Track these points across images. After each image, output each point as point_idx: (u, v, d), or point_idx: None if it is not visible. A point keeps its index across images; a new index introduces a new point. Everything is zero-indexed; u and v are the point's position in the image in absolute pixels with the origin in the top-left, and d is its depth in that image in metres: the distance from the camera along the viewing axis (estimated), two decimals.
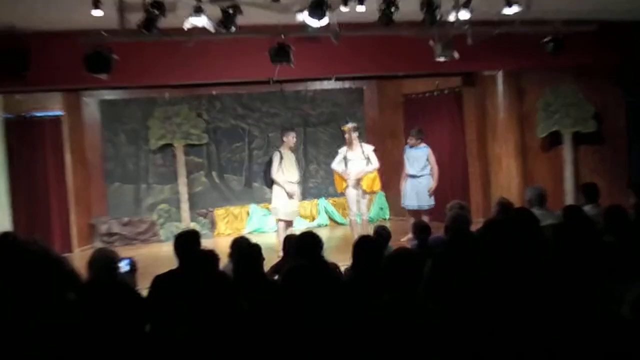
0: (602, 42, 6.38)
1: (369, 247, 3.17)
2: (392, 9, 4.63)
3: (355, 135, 6.71)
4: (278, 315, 2.51)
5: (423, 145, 7.08)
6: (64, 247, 7.46)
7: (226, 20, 4.66)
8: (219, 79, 6.78)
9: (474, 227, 3.71)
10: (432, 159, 7.03)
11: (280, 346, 2.35)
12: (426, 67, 6.62)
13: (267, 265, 3.46)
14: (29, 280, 2.62)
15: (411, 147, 7.10)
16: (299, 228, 7.67)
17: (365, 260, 3.10)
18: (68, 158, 7.82)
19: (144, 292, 3.35)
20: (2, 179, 7.13)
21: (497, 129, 7.52)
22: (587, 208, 4.45)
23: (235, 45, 5.81)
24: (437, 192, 7.14)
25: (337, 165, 6.78)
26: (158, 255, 6.96)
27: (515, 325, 2.38)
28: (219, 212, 8.62)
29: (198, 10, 4.57)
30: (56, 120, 7.70)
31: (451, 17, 5.02)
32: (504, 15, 5.09)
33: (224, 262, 3.58)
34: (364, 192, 6.74)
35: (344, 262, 3.78)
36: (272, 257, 3.87)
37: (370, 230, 6.15)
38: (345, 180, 6.70)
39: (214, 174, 8.73)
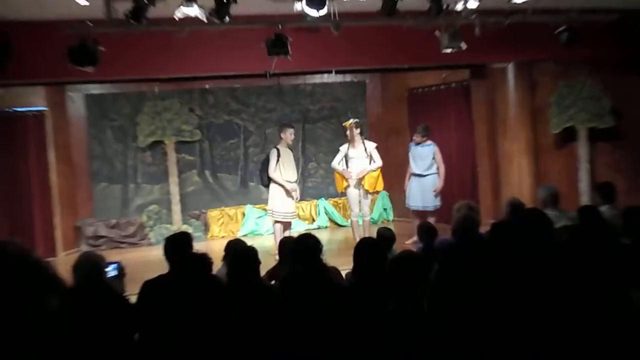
0: (620, 32, 6.38)
1: (372, 250, 3.17)
2: None
3: (357, 131, 6.71)
4: (275, 323, 2.51)
5: (429, 142, 7.08)
6: (48, 251, 7.47)
7: (220, 9, 4.65)
8: (212, 72, 6.77)
9: (483, 230, 3.71)
10: (439, 157, 7.03)
11: (277, 356, 2.35)
12: (432, 60, 6.63)
13: (263, 270, 3.46)
14: (5, 285, 2.62)
15: (416, 144, 7.10)
16: (297, 230, 7.69)
17: (367, 265, 3.09)
18: (52, 156, 7.82)
19: (133, 299, 3.36)
20: None
21: (507, 124, 7.52)
22: (604, 209, 4.45)
23: (229, 36, 5.81)
24: (443, 192, 7.14)
25: (337, 163, 6.78)
26: (147, 260, 6.96)
27: (527, 334, 2.38)
28: (213, 214, 8.62)
29: None
30: (39, 116, 7.70)
31: (458, 6, 5.02)
32: (515, 3, 5.09)
33: (217, 266, 3.58)
34: (366, 192, 6.75)
35: (345, 266, 3.77)
36: (268, 261, 3.87)
37: (372, 233, 6.16)
38: (346, 180, 6.70)
39: (207, 172, 8.73)
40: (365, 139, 6.94)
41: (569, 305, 2.57)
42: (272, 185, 6.59)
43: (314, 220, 8.89)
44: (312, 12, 4.66)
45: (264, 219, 8.38)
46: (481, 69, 7.78)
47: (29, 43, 5.55)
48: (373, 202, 8.62)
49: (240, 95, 8.77)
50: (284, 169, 6.56)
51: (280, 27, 5.15)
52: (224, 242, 4.01)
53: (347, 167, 6.73)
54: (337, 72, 8.24)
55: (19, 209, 7.48)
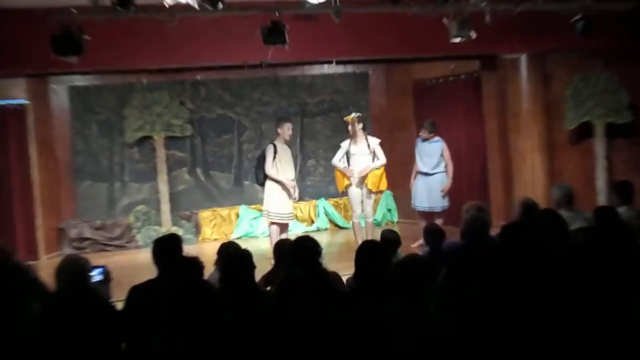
0: (637, 21, 6.37)
1: (375, 254, 3.17)
2: None
3: (359, 126, 6.71)
4: (270, 331, 2.51)
5: (437, 138, 7.07)
6: (29, 254, 7.47)
7: None
8: (204, 62, 6.77)
9: (494, 232, 3.71)
10: (447, 154, 7.03)
11: None
12: (439, 49, 6.62)
13: (258, 275, 3.46)
14: None
15: (423, 140, 7.09)
16: (295, 232, 7.69)
17: (370, 269, 3.09)
18: (33, 153, 7.82)
19: (119, 305, 3.36)
20: None
21: (520, 119, 7.52)
22: (622, 210, 4.45)
23: (222, 24, 5.81)
24: (452, 192, 7.14)
25: (338, 161, 6.78)
26: (135, 263, 6.96)
27: (540, 342, 2.38)
28: (205, 215, 8.62)
29: None
30: (20, 109, 7.70)
31: None
32: None
33: (209, 271, 3.58)
34: (369, 192, 6.74)
35: (346, 271, 3.77)
36: (264, 265, 3.87)
37: (376, 235, 6.15)
38: (347, 178, 6.70)
39: (198, 170, 8.73)
40: (368, 134, 6.94)
41: (584, 311, 2.58)
42: (268, 183, 6.58)
43: (312, 221, 8.89)
44: None
45: (260, 220, 8.39)
46: (492, 60, 7.78)
47: (8, 32, 5.54)
48: (376, 202, 8.62)
49: (234, 88, 8.76)
50: (280, 166, 6.55)
51: (277, 14, 5.14)
52: (217, 245, 4.01)
53: (348, 164, 6.73)
54: (337, 63, 8.24)
55: None
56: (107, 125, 8.38)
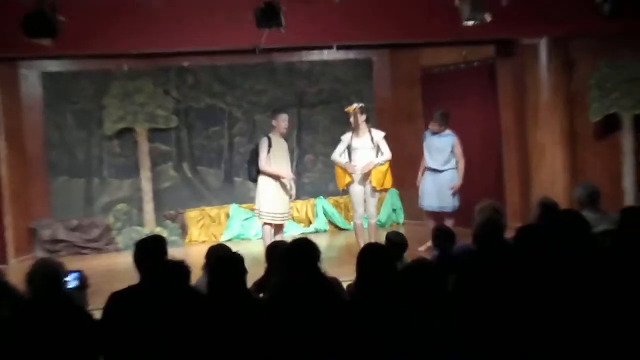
0: None
1: (378, 258, 3.16)
2: None
3: (362, 118, 6.70)
4: (263, 342, 2.51)
5: (447, 132, 7.07)
6: None
7: None
8: (191, 46, 6.76)
9: (509, 234, 3.71)
10: (459, 149, 7.03)
11: None
12: (451, 34, 6.61)
13: (250, 281, 3.47)
14: None
15: (433, 133, 7.09)
16: (291, 234, 7.69)
17: (373, 275, 3.09)
18: (1, 145, 7.81)
19: (97, 314, 3.36)
20: None
21: (539, 111, 7.52)
22: None
23: (212, 5, 5.80)
24: (463, 191, 7.14)
25: (339, 155, 6.78)
26: (114, 268, 6.95)
27: (560, 354, 2.39)
28: (192, 214, 8.62)
29: None
30: None
31: None
32: None
33: (196, 276, 3.58)
34: (373, 190, 6.74)
35: (347, 277, 3.77)
36: (256, 270, 3.87)
37: (379, 237, 6.15)
38: (349, 175, 6.70)
39: (185, 166, 8.73)
40: (372, 126, 6.93)
41: (609, 323, 2.58)
42: (261, 180, 6.58)
43: (310, 222, 8.90)
44: None
45: (252, 221, 8.39)
46: (508, 46, 7.77)
47: None
48: (380, 201, 8.63)
49: (224, 75, 8.75)
50: (275, 162, 6.55)
51: None
52: (205, 248, 4.01)
53: (350, 160, 6.73)
54: (338, 48, 8.21)
55: None
56: (84, 115, 8.37)
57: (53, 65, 8.25)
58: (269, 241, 6.17)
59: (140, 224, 8.31)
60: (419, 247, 6.70)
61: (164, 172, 8.64)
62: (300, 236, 3.68)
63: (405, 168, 8.18)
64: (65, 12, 5.00)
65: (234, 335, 2.82)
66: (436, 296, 2.55)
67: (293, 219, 8.40)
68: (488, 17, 5.43)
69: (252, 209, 7.06)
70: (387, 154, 6.74)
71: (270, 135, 6.63)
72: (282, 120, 6.59)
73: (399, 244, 4.35)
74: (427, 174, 7.11)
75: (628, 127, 7.31)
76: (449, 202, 7.00)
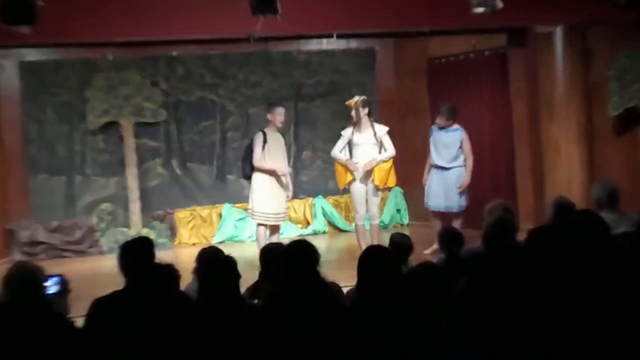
0: None
1: (381, 261, 3.17)
2: None
3: (364, 112, 6.71)
4: (258, 352, 2.51)
5: (455, 126, 7.08)
6: None
7: None
8: (181, 35, 6.75)
9: (522, 236, 3.71)
10: (467, 145, 7.04)
11: None
12: (459, 21, 6.61)
13: (244, 286, 3.46)
14: None
15: (440, 128, 7.10)
16: (288, 236, 7.69)
17: (375, 279, 3.09)
18: None
19: (79, 321, 3.35)
20: None
21: (554, 104, 7.52)
22: None
23: None
24: (472, 190, 7.14)
25: (339, 152, 6.78)
26: (98, 272, 6.95)
27: None
28: (181, 215, 8.62)
29: None
30: None
31: None
32: None
33: (186, 280, 3.58)
34: (376, 189, 6.75)
35: (347, 282, 3.77)
36: (250, 274, 3.87)
37: (382, 240, 6.15)
38: (350, 173, 6.71)
39: (174, 162, 8.73)
40: (375, 121, 6.94)
41: (629, 329, 2.58)
42: (255, 177, 6.59)
43: (308, 223, 8.90)
44: None
45: (246, 221, 8.39)
46: (521, 34, 7.77)
47: None
48: (383, 201, 8.63)
49: (217, 66, 8.75)
50: (271, 158, 6.56)
51: None
52: (196, 251, 4.01)
53: (351, 156, 6.73)
54: (338, 37, 8.22)
55: None
56: (66, 108, 8.37)
57: (32, 54, 8.24)
58: (263, 243, 6.17)
59: (126, 225, 8.30)
60: (424, 250, 6.70)
61: (152, 170, 8.63)
62: (298, 238, 3.68)
63: (410, 165, 8.17)
64: None
65: (226, 345, 2.82)
66: (443, 302, 2.55)
67: (290, 219, 8.40)
68: (499, 4, 5.43)
69: (246, 209, 7.06)
70: (390, 150, 6.74)
71: (266, 130, 6.63)
72: (278, 114, 6.60)
73: (404, 246, 4.35)
74: (434, 171, 7.11)
75: None
76: (457, 202, 7.01)
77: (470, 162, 7.03)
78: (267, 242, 6.26)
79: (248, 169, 6.65)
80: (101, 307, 3.32)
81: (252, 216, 6.66)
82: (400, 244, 4.35)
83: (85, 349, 3.07)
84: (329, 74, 9.07)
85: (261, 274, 3.89)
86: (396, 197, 9.05)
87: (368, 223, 6.86)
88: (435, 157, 7.09)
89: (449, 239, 4.43)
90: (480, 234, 3.84)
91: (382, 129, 6.80)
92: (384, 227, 8.35)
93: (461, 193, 7.01)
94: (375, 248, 3.46)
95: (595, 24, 7.21)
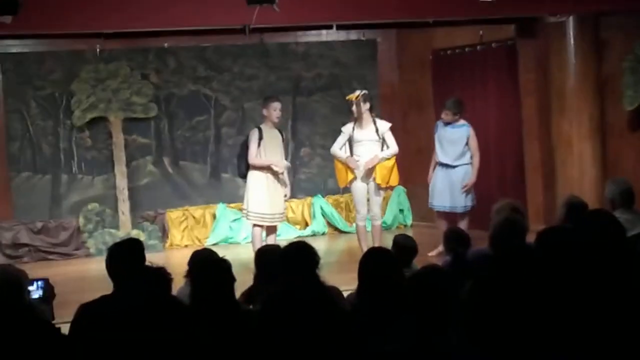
0: None
1: (383, 263, 3.17)
2: None
3: (365, 107, 6.71)
4: (254, 358, 2.51)
5: (462, 122, 7.08)
6: None
7: None
8: (173, 25, 6.74)
9: (531, 238, 3.71)
10: (474, 142, 7.03)
11: None
12: (466, 11, 6.61)
13: (239, 290, 3.46)
14: None
15: (445, 124, 7.10)
16: (285, 238, 7.69)
17: (377, 283, 3.10)
18: None
19: (64, 328, 3.35)
20: None
21: (565, 98, 7.52)
22: None
23: None
24: (479, 189, 7.14)
25: (339, 149, 6.78)
26: (85, 276, 6.96)
27: None
28: (173, 215, 8.62)
29: None
30: None
31: None
32: None
33: (178, 284, 3.58)
34: (378, 188, 6.75)
35: (347, 285, 3.77)
36: (246, 278, 3.87)
37: (385, 241, 6.15)
38: (351, 171, 6.71)
39: (166, 160, 8.72)
40: (377, 116, 6.94)
41: None
42: (250, 176, 6.59)
43: (307, 224, 8.90)
44: None
45: (241, 222, 8.38)
46: (531, 25, 7.77)
47: None
48: (386, 200, 8.62)
49: (210, 57, 8.74)
50: (267, 156, 6.56)
51: None
52: (188, 253, 4.01)
53: (351, 153, 6.73)
54: (338, 28, 8.22)
55: None
56: (51, 102, 8.35)
57: (15, 46, 8.21)
58: (258, 245, 6.17)
59: (115, 226, 8.29)
60: (429, 252, 6.70)
61: (142, 168, 8.62)
62: (297, 239, 3.68)
63: (413, 163, 8.18)
64: None
65: (220, 352, 2.82)
66: (448, 306, 2.55)
67: (288, 220, 8.39)
68: None
69: (241, 209, 7.06)
70: (393, 147, 6.74)
71: (262, 126, 6.63)
72: (274, 109, 6.60)
73: (408, 248, 4.36)
74: (439, 169, 7.11)
75: None
76: (462, 202, 7.01)
77: (476, 160, 7.03)
78: (264, 243, 6.26)
79: (243, 167, 6.65)
80: (88, 312, 3.32)
81: (247, 217, 6.65)
82: (405, 246, 4.35)
83: (71, 357, 3.07)
84: (328, 67, 9.06)
85: (256, 278, 3.89)
86: (399, 197, 9.05)
87: (369, 224, 6.86)
88: (440, 154, 7.08)
89: (455, 240, 4.43)
90: (488, 234, 3.84)
91: (384, 125, 6.80)
92: (386, 228, 8.34)
93: (467, 192, 7.00)
94: (377, 250, 3.46)
95: (609, 13, 7.20)
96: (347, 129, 6.80)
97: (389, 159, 6.72)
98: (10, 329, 2.91)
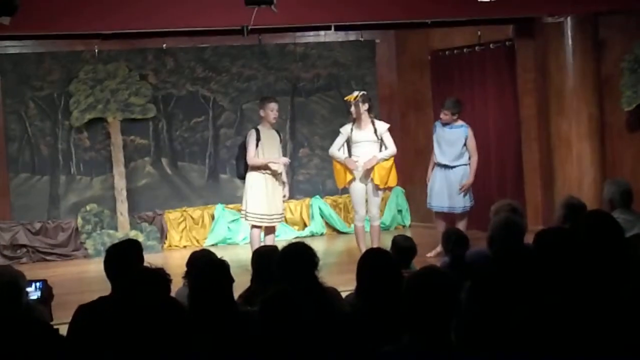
0: None
1: (382, 264, 3.17)
2: None
3: (364, 107, 6.71)
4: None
5: (460, 123, 7.08)
6: None
7: None
8: (171, 26, 6.74)
9: (530, 238, 3.72)
10: (472, 143, 7.03)
11: None
12: (464, 11, 6.61)
13: (237, 290, 3.46)
14: None
15: (444, 124, 7.10)
16: (284, 238, 7.69)
17: (376, 284, 3.10)
18: None
19: (63, 329, 3.35)
20: None
21: (564, 98, 7.52)
22: None
23: None
24: (478, 189, 7.15)
25: (337, 150, 6.78)
26: (83, 277, 6.95)
27: None
28: (172, 216, 8.62)
29: None
30: None
31: None
32: None
33: (177, 285, 3.58)
34: (376, 188, 6.75)
35: (346, 287, 3.77)
36: (245, 279, 3.87)
37: (383, 242, 6.14)
38: (349, 172, 6.70)
39: (164, 161, 8.72)
40: (375, 117, 6.94)
41: None
42: (249, 177, 6.58)
43: (305, 225, 8.89)
44: None
45: (240, 223, 8.37)
46: (529, 25, 7.77)
47: None
48: (384, 201, 8.63)
49: (209, 59, 8.74)
50: (265, 157, 6.55)
51: None
52: (187, 254, 4.01)
53: (350, 154, 6.73)
54: (337, 29, 8.21)
55: None
56: (49, 103, 8.35)
57: (13, 47, 8.21)
58: (257, 246, 6.16)
59: (113, 227, 8.29)
60: (427, 253, 6.70)
61: (140, 169, 8.62)
62: (295, 240, 3.68)
63: (412, 164, 8.18)
64: None
65: (219, 353, 2.81)
66: (447, 307, 2.55)
67: (286, 221, 8.39)
68: None
69: (240, 210, 7.06)
70: (391, 148, 6.74)
71: (259, 127, 6.63)
72: (271, 110, 6.59)
73: (408, 249, 4.36)
74: (437, 170, 7.11)
75: None
76: (461, 202, 7.01)
77: (474, 160, 7.03)
78: (262, 244, 6.25)
79: (242, 168, 6.65)
80: (86, 314, 3.32)
81: (246, 218, 6.65)
82: (404, 247, 4.36)
83: (69, 359, 3.06)
84: (327, 68, 9.06)
85: (253, 279, 3.89)
86: (397, 198, 9.05)
87: (368, 224, 6.86)
88: (439, 155, 7.08)
89: (453, 241, 4.44)
90: (486, 235, 3.84)
91: (382, 126, 6.80)
92: (384, 228, 8.34)
93: (465, 193, 7.01)
94: (375, 251, 3.46)
95: (608, 12, 7.20)
96: (346, 129, 6.80)
97: (387, 159, 6.72)
98: (9, 330, 2.91)
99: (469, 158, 7.05)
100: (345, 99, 6.92)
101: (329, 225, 8.92)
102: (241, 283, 3.62)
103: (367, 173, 6.69)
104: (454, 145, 7.04)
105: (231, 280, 3.20)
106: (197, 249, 5.59)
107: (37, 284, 3.65)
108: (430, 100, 8.66)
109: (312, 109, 9.07)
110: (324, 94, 9.06)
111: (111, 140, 8.35)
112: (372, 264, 3.19)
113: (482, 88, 8.31)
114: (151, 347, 2.53)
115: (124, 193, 8.33)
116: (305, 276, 3.29)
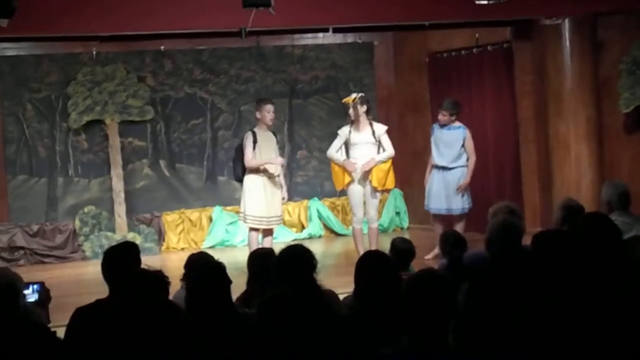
0: None
1: (380, 267, 3.17)
2: None
3: (362, 109, 6.71)
4: None
5: (458, 124, 7.08)
6: None
7: None
8: (169, 28, 6.74)
9: (528, 240, 3.72)
10: (470, 145, 7.04)
11: None
12: (463, 14, 6.61)
13: (235, 293, 3.46)
14: None
15: (441, 126, 7.10)
16: (282, 240, 7.68)
17: (374, 286, 3.09)
18: None
19: (60, 332, 3.34)
20: None
21: (562, 100, 7.53)
22: None
23: None
24: (476, 191, 7.15)
25: (335, 152, 6.78)
26: (81, 279, 6.94)
27: None
28: (170, 218, 8.61)
29: None
30: None
31: None
32: None
33: (175, 288, 3.57)
34: (374, 190, 6.75)
35: (344, 289, 3.77)
36: (242, 281, 3.87)
37: (381, 244, 6.15)
38: (348, 174, 6.70)
39: (162, 163, 8.71)
40: (373, 119, 6.94)
41: None
42: (247, 179, 6.58)
43: (303, 227, 8.89)
44: None
45: (237, 225, 8.37)
46: (527, 27, 7.78)
47: None
48: (382, 203, 8.63)
49: (206, 61, 8.74)
50: (262, 159, 6.55)
51: None
52: (184, 256, 4.01)
53: (348, 156, 6.73)
54: (335, 31, 8.21)
55: None
56: (47, 105, 8.34)
57: (11, 49, 8.21)
58: (255, 248, 6.17)
59: (111, 229, 8.29)
60: (425, 255, 6.70)
61: (138, 171, 8.62)
62: (293, 243, 3.68)
63: (410, 166, 8.18)
64: None
65: (217, 355, 2.81)
66: (445, 309, 2.55)
67: (284, 223, 8.38)
68: None
69: (237, 212, 7.06)
70: (389, 150, 6.74)
71: (255, 129, 6.63)
72: (268, 111, 6.59)
73: (406, 251, 4.37)
74: (435, 172, 7.11)
75: None
76: (459, 204, 7.01)
77: (472, 162, 7.04)
78: (260, 246, 6.25)
79: (239, 171, 6.65)
80: (84, 316, 3.32)
81: (244, 220, 6.64)
82: (403, 249, 4.36)
83: None
84: (325, 70, 9.06)
85: (249, 281, 3.88)
86: (395, 200, 9.05)
87: (366, 227, 6.86)
88: (437, 156, 7.08)
89: (451, 243, 4.45)
90: (484, 237, 3.84)
91: (381, 128, 6.80)
92: (382, 230, 8.34)
93: (463, 194, 7.01)
94: (373, 253, 3.46)
95: (607, 14, 7.20)
96: (344, 131, 6.80)
97: (385, 161, 6.72)
98: (6, 333, 2.90)
99: (467, 159, 7.05)
100: (343, 101, 6.91)
101: (327, 227, 8.92)
102: (239, 285, 3.61)
103: (365, 175, 6.69)
104: (452, 146, 7.05)
105: (229, 282, 3.20)
106: (195, 251, 5.59)
107: (35, 286, 3.65)
108: (428, 102, 8.66)
109: (310, 111, 9.07)
110: (322, 96, 9.07)
111: (109, 142, 8.35)
112: (370, 266, 3.19)
113: (480, 90, 8.32)
114: (149, 350, 2.52)
115: (122, 195, 8.33)
116: (303, 278, 3.29)
